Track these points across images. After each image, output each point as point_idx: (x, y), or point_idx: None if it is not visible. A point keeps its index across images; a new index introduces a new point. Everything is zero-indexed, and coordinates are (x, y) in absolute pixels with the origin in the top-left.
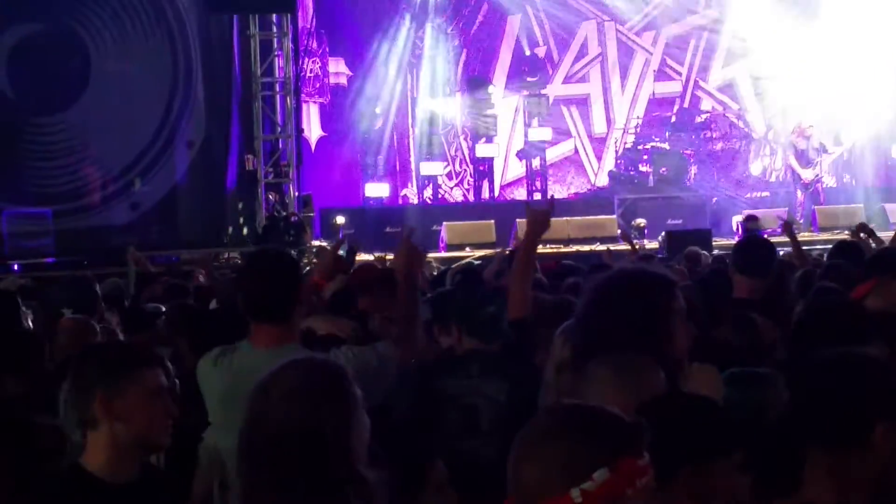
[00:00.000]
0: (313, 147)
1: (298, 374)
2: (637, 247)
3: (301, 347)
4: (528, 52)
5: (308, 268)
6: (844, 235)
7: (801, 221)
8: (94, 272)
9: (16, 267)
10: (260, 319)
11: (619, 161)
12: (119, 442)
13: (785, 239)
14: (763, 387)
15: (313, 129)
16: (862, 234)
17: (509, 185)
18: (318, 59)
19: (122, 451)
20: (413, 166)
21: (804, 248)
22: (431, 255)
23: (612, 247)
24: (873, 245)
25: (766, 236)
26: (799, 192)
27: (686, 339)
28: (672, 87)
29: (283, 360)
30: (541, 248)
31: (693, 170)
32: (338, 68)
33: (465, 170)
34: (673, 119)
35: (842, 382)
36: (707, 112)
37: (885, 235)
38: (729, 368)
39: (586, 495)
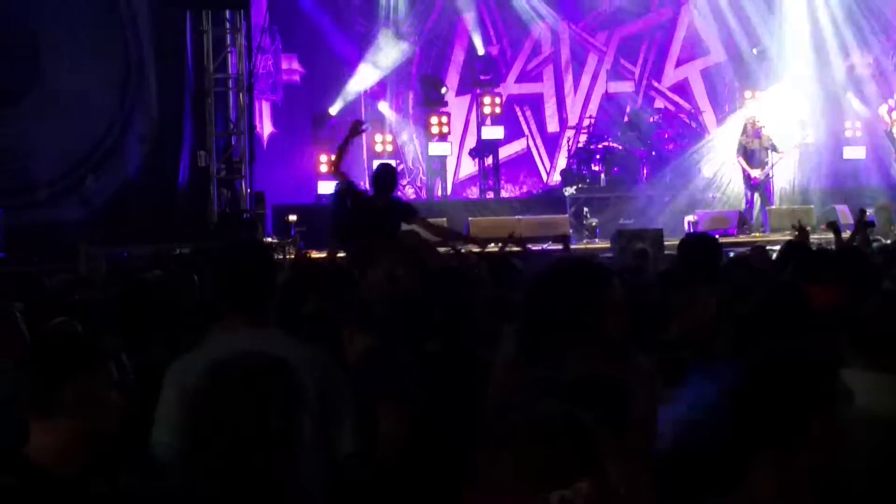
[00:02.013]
0: (265, 144)
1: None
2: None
3: (280, 330)
4: (481, 52)
5: None
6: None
7: (752, 222)
8: (45, 268)
9: None
10: (237, 307)
11: (571, 160)
12: (78, 433)
13: (737, 239)
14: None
15: (265, 126)
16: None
17: (462, 183)
18: (270, 56)
19: (77, 443)
20: (366, 164)
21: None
22: None
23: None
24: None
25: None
26: (748, 192)
27: (620, 329)
28: (625, 87)
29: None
30: (492, 247)
31: (645, 170)
32: (291, 65)
33: (419, 168)
34: (626, 119)
35: (777, 383)
36: (660, 112)
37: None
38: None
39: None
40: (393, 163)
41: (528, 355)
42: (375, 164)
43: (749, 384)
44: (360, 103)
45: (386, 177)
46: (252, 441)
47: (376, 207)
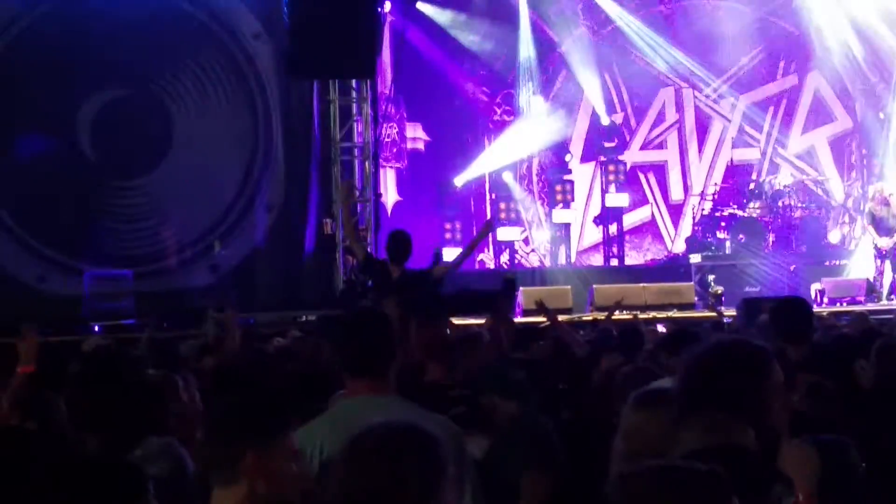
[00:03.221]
0: (389, 211)
1: (390, 430)
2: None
3: (400, 398)
4: (605, 122)
5: None
6: None
7: (881, 290)
8: (174, 334)
9: (97, 328)
10: (358, 374)
11: (696, 228)
12: (256, 500)
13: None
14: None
15: (390, 194)
16: None
17: (586, 250)
18: (395, 125)
19: None
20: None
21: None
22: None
23: (688, 314)
24: None
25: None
26: (878, 261)
27: (784, 413)
28: (750, 154)
29: (383, 408)
30: (617, 315)
31: (771, 237)
32: (415, 133)
33: (543, 235)
34: (751, 186)
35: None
36: (786, 179)
37: None
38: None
39: None
40: (518, 230)
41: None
42: (499, 231)
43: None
44: (483, 173)
45: (397, 244)
46: None
47: (390, 280)
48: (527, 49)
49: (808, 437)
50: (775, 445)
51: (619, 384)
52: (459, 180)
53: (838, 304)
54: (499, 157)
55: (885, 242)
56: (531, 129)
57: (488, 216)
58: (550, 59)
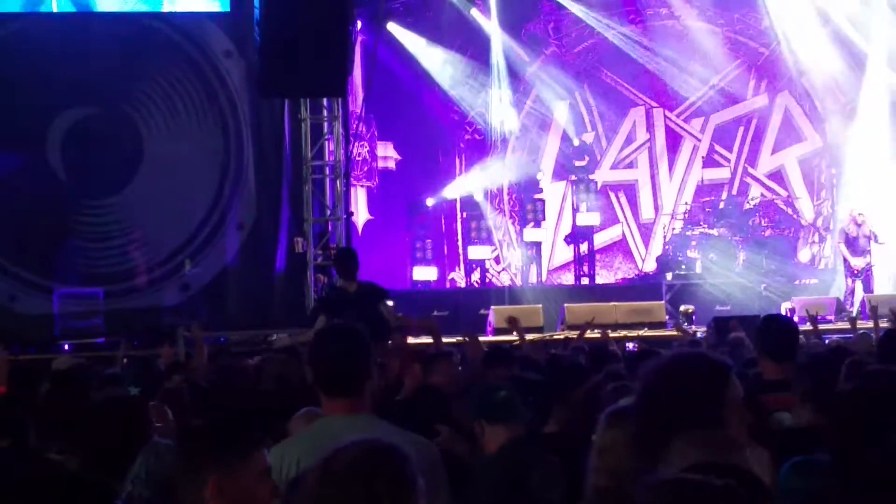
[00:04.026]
0: (360, 230)
1: (362, 450)
2: (690, 332)
3: (375, 417)
4: (576, 143)
5: None
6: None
7: (851, 309)
8: (145, 352)
9: (66, 346)
10: (334, 392)
11: (667, 247)
12: None
13: (839, 326)
14: (825, 476)
15: (360, 213)
16: None
17: (557, 269)
18: (366, 143)
19: None
20: (462, 250)
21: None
22: (480, 339)
23: (659, 332)
24: None
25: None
26: (849, 280)
27: (742, 426)
28: (720, 174)
29: (359, 427)
30: (589, 333)
31: (741, 256)
32: (386, 152)
33: (513, 254)
34: (721, 205)
35: None
36: (756, 198)
37: None
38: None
39: None
40: (489, 248)
41: (642, 447)
42: (470, 250)
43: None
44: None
45: (348, 261)
46: None
47: (349, 295)
48: (497, 69)
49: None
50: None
51: (605, 400)
52: (431, 201)
53: (807, 323)
54: (471, 183)
55: (857, 262)
56: (504, 160)
57: (459, 235)
58: (521, 79)
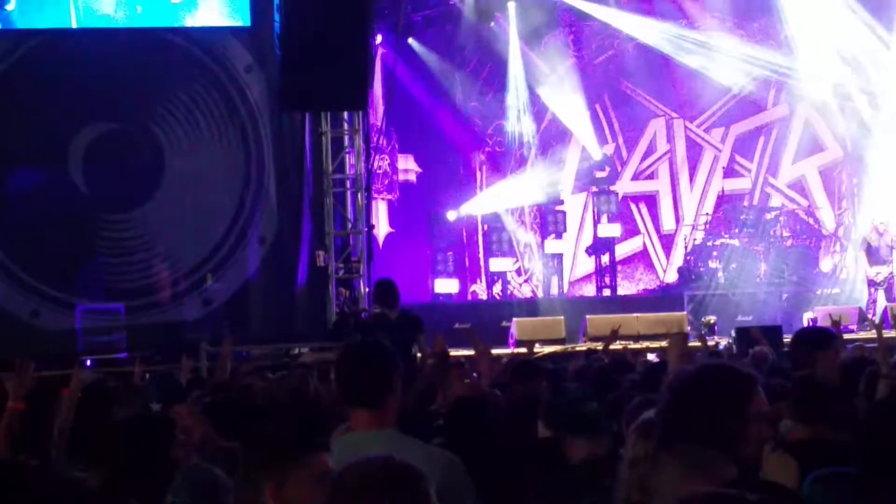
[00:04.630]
0: (381, 243)
1: (375, 466)
2: (711, 343)
3: (398, 432)
4: (597, 157)
5: None
6: None
7: (874, 318)
8: (167, 367)
9: (88, 362)
10: (357, 405)
11: (688, 257)
12: None
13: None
14: (853, 489)
15: (381, 226)
16: None
17: (578, 281)
18: (386, 156)
19: None
20: (483, 262)
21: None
22: (502, 350)
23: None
24: None
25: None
26: (871, 289)
27: (761, 441)
28: (741, 184)
29: (380, 443)
30: (612, 345)
31: (763, 266)
32: (407, 165)
33: (535, 266)
34: (742, 216)
35: None
36: (777, 208)
37: None
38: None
39: None
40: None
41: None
42: (491, 262)
43: None
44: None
45: (390, 290)
46: None
47: (389, 321)
48: (516, 82)
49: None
50: (750, 476)
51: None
52: (453, 214)
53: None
54: (492, 199)
55: (877, 271)
56: (524, 173)
57: (480, 247)
58: (541, 91)
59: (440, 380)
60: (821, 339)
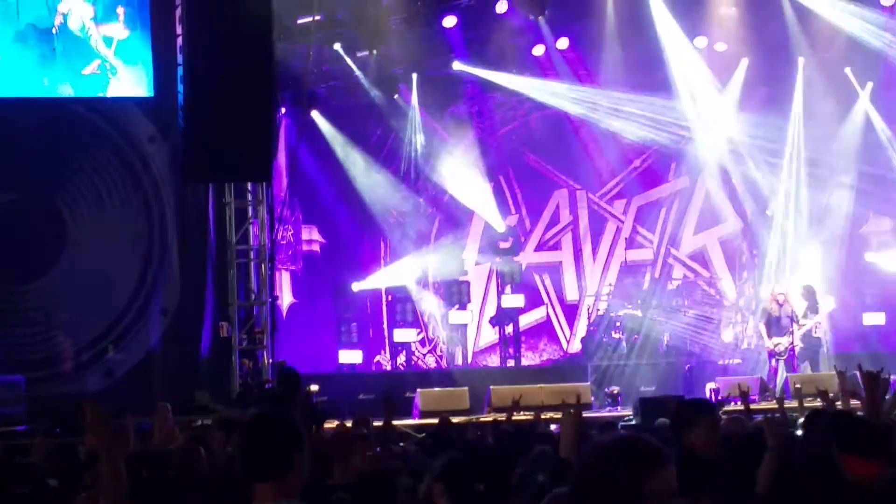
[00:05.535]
0: (285, 314)
1: None
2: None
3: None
4: (501, 230)
5: None
6: (817, 403)
7: (774, 389)
8: (68, 440)
9: None
10: (262, 479)
11: (591, 328)
12: None
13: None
14: None
15: (285, 296)
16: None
17: (482, 351)
18: (290, 227)
19: None
20: (387, 334)
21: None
22: (406, 422)
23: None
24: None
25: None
26: (772, 360)
27: None
28: (644, 255)
29: None
30: (515, 416)
31: (666, 336)
32: (311, 236)
33: (439, 336)
34: (645, 286)
35: None
36: (679, 279)
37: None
38: None
39: None
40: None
41: None
42: (395, 333)
43: None
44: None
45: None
46: None
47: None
48: (417, 153)
49: None
50: None
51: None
52: (357, 286)
53: (732, 403)
54: (396, 273)
55: (776, 342)
56: (428, 245)
57: (384, 318)
58: (444, 162)
59: (340, 452)
60: (700, 409)
